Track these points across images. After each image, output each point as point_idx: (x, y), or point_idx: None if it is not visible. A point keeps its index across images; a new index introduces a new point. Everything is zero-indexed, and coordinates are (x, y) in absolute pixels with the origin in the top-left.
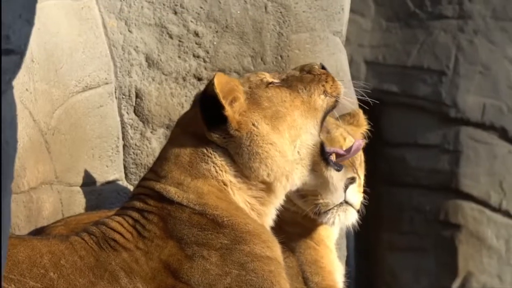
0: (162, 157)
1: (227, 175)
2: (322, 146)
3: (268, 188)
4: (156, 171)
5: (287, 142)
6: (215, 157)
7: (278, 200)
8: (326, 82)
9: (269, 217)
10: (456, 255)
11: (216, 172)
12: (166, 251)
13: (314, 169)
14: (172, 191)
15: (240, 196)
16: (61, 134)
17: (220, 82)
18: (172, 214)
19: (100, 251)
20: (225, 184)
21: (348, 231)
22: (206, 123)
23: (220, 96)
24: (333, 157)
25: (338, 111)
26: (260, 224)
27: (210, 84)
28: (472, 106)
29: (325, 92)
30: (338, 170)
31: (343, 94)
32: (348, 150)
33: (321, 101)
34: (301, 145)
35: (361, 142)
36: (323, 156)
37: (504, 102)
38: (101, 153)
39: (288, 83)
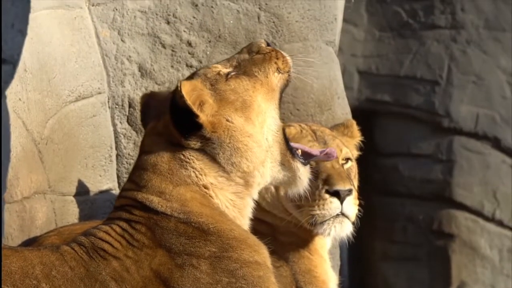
0: (139, 167)
1: (207, 177)
2: (284, 132)
3: (246, 181)
4: (135, 181)
5: (259, 130)
6: (193, 162)
7: (254, 190)
8: (277, 58)
9: (247, 208)
10: (450, 265)
11: (197, 177)
12: (156, 260)
13: (282, 162)
14: (155, 201)
15: (222, 195)
16: (54, 143)
17: (187, 92)
18: (158, 223)
19: (90, 261)
20: (206, 188)
21: (342, 242)
22: (180, 132)
23: (191, 106)
24: (299, 152)
25: (332, 121)
26: (244, 229)
27: (179, 96)
28: (465, 116)
29: (278, 69)
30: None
31: (293, 68)
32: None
33: (276, 80)
34: (267, 131)
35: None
36: (288, 146)
37: (497, 112)
38: (94, 163)
39: (242, 69)
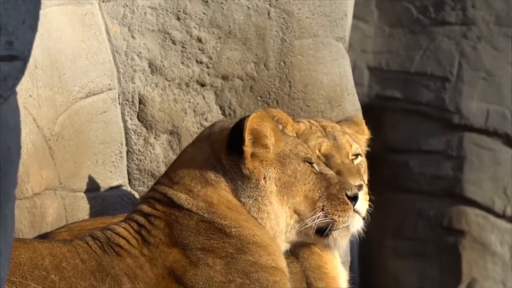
0: (179, 159)
1: (230, 195)
2: None
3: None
4: (170, 175)
5: (285, 214)
6: (221, 175)
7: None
8: (336, 211)
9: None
10: (460, 261)
11: (223, 187)
12: (171, 257)
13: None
14: (182, 198)
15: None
16: (64, 140)
17: (255, 121)
18: (179, 220)
19: (103, 255)
20: (233, 195)
21: (352, 237)
22: (227, 145)
23: (246, 132)
24: None
25: (342, 117)
26: (268, 237)
27: (247, 117)
28: (475, 112)
29: (334, 221)
30: None
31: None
32: None
33: (317, 219)
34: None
35: None
36: None
37: (508, 108)
38: (104, 159)
39: (322, 176)
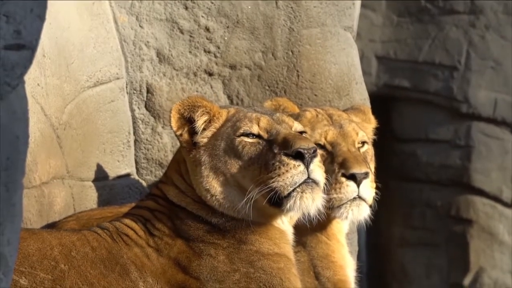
0: (174, 154)
1: None
2: None
3: None
4: (166, 171)
5: (232, 192)
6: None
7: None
8: (271, 178)
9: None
10: (468, 251)
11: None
12: (175, 248)
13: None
14: (171, 194)
15: None
16: (72, 129)
17: (182, 108)
18: (179, 215)
19: (113, 243)
20: None
21: (359, 226)
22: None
23: (172, 120)
24: None
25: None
26: (263, 221)
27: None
28: (483, 101)
29: (266, 184)
30: None
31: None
32: None
33: (259, 191)
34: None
35: None
36: None
37: None
38: (112, 148)
39: (268, 144)
